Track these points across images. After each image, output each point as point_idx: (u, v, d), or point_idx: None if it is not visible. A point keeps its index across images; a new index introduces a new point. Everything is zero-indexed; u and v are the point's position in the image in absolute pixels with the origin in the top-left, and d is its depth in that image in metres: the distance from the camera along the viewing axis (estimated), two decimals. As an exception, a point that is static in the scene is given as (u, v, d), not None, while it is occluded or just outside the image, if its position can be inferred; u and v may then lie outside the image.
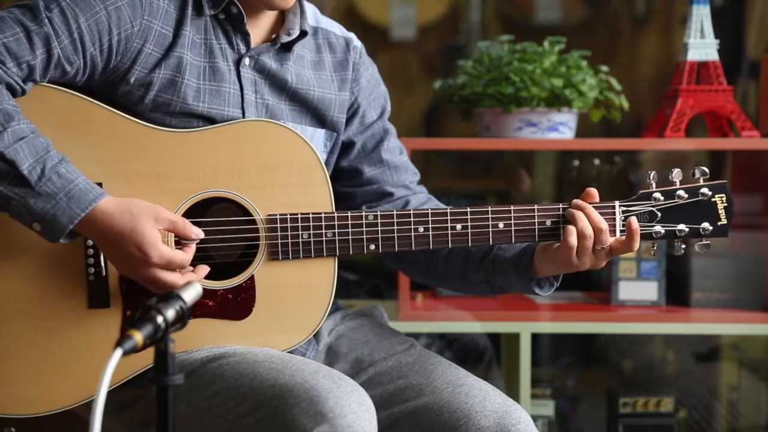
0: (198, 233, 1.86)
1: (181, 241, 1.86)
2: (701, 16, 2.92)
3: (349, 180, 2.12)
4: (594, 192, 1.96)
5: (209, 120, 1.94)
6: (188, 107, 1.92)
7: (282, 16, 2.02)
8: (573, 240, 1.90)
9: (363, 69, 2.13)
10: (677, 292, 3.04)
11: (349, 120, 2.11)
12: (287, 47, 2.01)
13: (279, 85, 2.01)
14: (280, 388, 1.78)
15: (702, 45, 2.92)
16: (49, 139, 1.81)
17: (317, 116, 2.07)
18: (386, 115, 2.17)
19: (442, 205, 2.12)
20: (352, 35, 2.15)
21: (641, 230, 1.94)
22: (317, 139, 2.06)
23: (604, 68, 2.91)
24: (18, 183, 1.77)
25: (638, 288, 3.01)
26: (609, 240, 1.91)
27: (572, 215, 1.91)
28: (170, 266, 1.82)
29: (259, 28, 2.00)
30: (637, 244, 1.91)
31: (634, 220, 1.91)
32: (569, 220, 1.91)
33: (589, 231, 1.90)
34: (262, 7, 1.97)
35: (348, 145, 2.12)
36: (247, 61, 1.98)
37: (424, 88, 4.44)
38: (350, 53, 2.11)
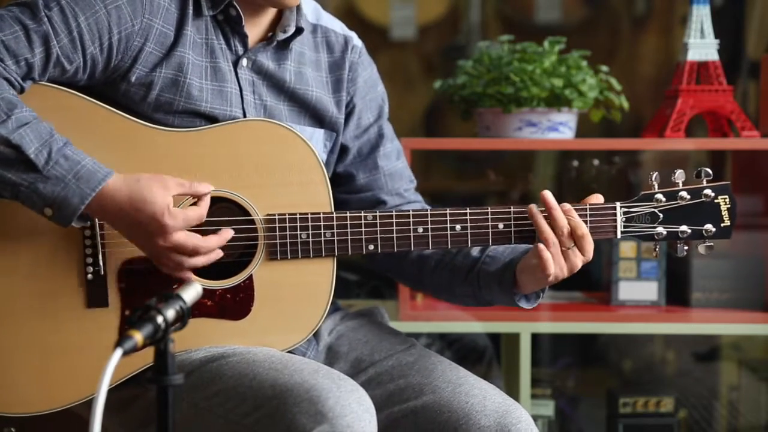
0: (207, 186, 1.85)
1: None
2: (701, 16, 2.92)
3: (343, 186, 2.11)
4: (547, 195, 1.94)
5: (212, 119, 1.94)
6: (192, 106, 1.92)
7: (279, 14, 2.02)
8: (546, 253, 1.88)
9: (361, 69, 2.12)
10: (677, 292, 3.03)
11: (346, 121, 2.10)
12: (284, 45, 2.01)
13: (277, 86, 2.01)
14: (280, 388, 1.78)
15: (702, 45, 2.92)
16: (51, 123, 1.80)
17: (316, 116, 2.06)
18: (384, 116, 2.16)
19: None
20: (352, 34, 2.14)
21: (643, 232, 1.94)
22: (316, 139, 2.06)
23: (604, 68, 2.90)
24: (26, 168, 1.76)
25: (638, 288, 3.01)
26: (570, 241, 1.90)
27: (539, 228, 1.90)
28: (189, 224, 1.82)
29: (256, 27, 2.00)
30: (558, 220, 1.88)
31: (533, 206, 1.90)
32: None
33: (553, 239, 1.89)
34: (268, 5, 1.97)
35: (343, 150, 2.11)
36: (244, 62, 1.98)
37: (424, 88, 4.44)
38: (348, 52, 2.10)
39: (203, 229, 1.89)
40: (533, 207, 1.91)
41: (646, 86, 4.46)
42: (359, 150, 2.12)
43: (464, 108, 2.95)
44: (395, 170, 2.14)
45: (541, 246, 1.88)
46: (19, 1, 1.86)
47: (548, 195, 1.91)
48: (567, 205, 1.90)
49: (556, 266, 1.88)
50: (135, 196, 1.80)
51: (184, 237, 1.82)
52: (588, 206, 1.93)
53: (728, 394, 3.54)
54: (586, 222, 1.92)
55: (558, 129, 2.86)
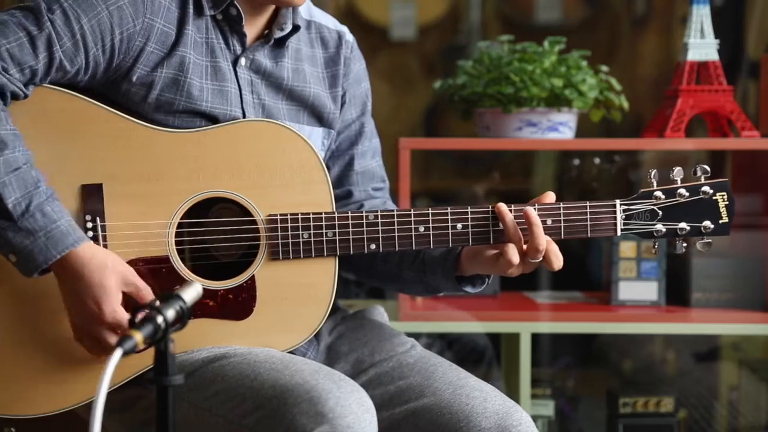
0: (150, 298, 1.85)
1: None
2: (701, 16, 2.92)
3: None
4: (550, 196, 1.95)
5: (213, 119, 1.94)
6: (192, 106, 1.92)
7: (275, 12, 2.02)
8: (516, 259, 1.89)
9: (353, 64, 2.13)
10: (677, 292, 3.03)
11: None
12: (281, 43, 2.01)
13: (275, 84, 2.01)
14: (281, 389, 1.78)
15: (702, 45, 2.92)
16: (40, 173, 1.80)
17: (314, 114, 2.07)
18: (367, 113, 2.17)
19: (394, 207, 2.13)
20: (344, 29, 2.14)
21: (642, 229, 1.94)
22: (315, 137, 2.06)
23: (604, 68, 2.91)
24: (0, 215, 1.76)
25: (638, 288, 3.01)
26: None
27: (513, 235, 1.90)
28: (119, 327, 1.82)
29: (253, 26, 2.00)
30: (538, 237, 1.88)
31: (530, 210, 1.90)
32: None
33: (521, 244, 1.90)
34: (270, 3, 1.97)
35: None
36: (243, 61, 1.98)
37: (424, 88, 4.44)
38: (342, 47, 2.11)
39: (205, 229, 1.89)
40: (501, 206, 1.91)
41: (646, 86, 4.47)
42: (339, 144, 2.13)
43: (464, 108, 2.95)
44: (368, 169, 2.15)
45: (512, 249, 1.89)
46: (22, 5, 1.85)
47: (531, 212, 1.91)
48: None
49: (519, 266, 1.90)
50: (93, 278, 1.79)
51: (106, 335, 1.81)
52: (588, 204, 1.94)
53: (728, 394, 3.54)
54: (585, 221, 1.92)
55: (558, 129, 2.86)
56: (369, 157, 2.16)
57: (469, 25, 4.59)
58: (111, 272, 1.81)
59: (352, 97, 2.13)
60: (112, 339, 1.82)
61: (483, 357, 3.41)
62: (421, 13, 4.57)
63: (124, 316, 1.81)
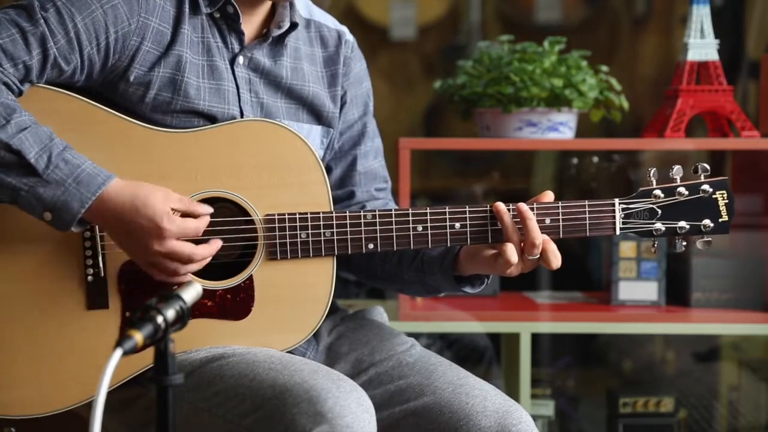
0: (206, 208, 1.86)
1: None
2: (701, 16, 2.92)
3: None
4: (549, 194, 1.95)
5: (210, 118, 1.94)
6: (189, 105, 1.92)
7: (272, 11, 2.02)
8: (514, 258, 1.89)
9: (353, 63, 2.13)
10: (677, 292, 3.04)
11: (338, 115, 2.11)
12: (279, 41, 2.01)
13: (274, 83, 2.01)
14: (279, 389, 1.78)
15: (702, 45, 2.92)
16: (50, 127, 1.81)
17: (313, 112, 2.07)
18: (369, 113, 2.17)
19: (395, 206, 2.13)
20: (344, 28, 2.14)
21: (642, 228, 1.94)
22: (314, 136, 2.06)
23: (604, 68, 2.91)
24: (26, 173, 1.76)
25: (638, 288, 3.01)
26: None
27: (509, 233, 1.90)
28: (184, 235, 1.82)
29: (251, 24, 2.00)
30: (533, 233, 1.88)
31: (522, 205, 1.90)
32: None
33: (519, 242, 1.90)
34: (270, 0, 1.97)
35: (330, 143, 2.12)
36: (241, 59, 1.98)
37: (424, 88, 4.44)
38: (342, 47, 2.11)
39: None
40: (499, 205, 1.91)
41: (646, 86, 4.46)
42: (341, 145, 2.13)
43: (464, 108, 2.95)
44: (370, 169, 2.15)
45: (510, 248, 1.88)
46: (15, 4, 1.86)
47: (524, 207, 1.91)
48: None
49: (518, 265, 1.90)
50: (136, 199, 1.80)
51: (180, 244, 1.82)
52: (587, 203, 1.94)
53: (728, 394, 3.54)
54: (584, 220, 1.92)
55: (558, 129, 2.86)
56: (371, 158, 2.16)
57: (469, 25, 4.59)
58: (150, 193, 1.80)
59: (354, 98, 2.13)
60: (187, 247, 1.82)
61: (483, 357, 3.41)
62: (421, 13, 4.57)
63: (184, 220, 1.81)
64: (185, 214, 1.84)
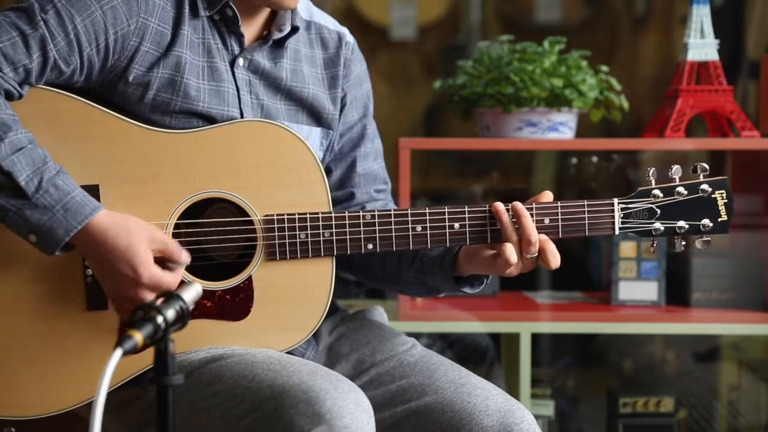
0: (186, 259, 1.85)
1: (168, 265, 1.84)
2: (701, 16, 2.92)
3: None
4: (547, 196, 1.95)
5: (209, 119, 1.94)
6: (189, 106, 1.92)
7: (274, 13, 2.02)
8: (514, 258, 1.89)
9: (353, 65, 2.13)
10: (677, 292, 3.03)
11: (338, 117, 2.11)
12: (280, 44, 2.01)
13: (274, 85, 2.01)
14: (278, 389, 1.78)
15: (702, 45, 2.92)
16: (46, 149, 1.80)
17: (313, 114, 2.07)
18: (369, 115, 2.16)
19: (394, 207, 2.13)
20: (345, 30, 2.14)
21: (641, 227, 1.94)
22: (313, 137, 2.06)
23: (604, 68, 2.91)
24: (15, 194, 1.77)
25: (638, 288, 3.01)
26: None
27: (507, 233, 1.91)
28: (158, 288, 1.82)
29: (252, 27, 2.00)
30: (528, 229, 1.89)
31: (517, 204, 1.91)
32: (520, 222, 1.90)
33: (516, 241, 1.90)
34: (265, 6, 1.97)
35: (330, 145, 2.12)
36: (241, 61, 1.98)
37: (424, 88, 4.44)
38: (342, 48, 2.11)
39: (201, 230, 1.89)
40: (498, 205, 1.91)
41: (646, 86, 4.47)
42: (341, 147, 2.13)
43: (464, 108, 2.95)
44: (370, 171, 2.15)
45: (509, 248, 1.89)
46: (15, 6, 1.86)
47: (519, 205, 1.91)
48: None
49: (518, 265, 1.90)
50: (119, 238, 1.80)
51: (149, 294, 1.82)
52: (586, 203, 1.94)
53: (728, 394, 3.54)
54: (583, 220, 1.93)
55: (558, 129, 2.86)
56: (371, 159, 2.16)
57: (469, 25, 4.59)
58: (136, 233, 1.80)
59: (354, 99, 2.13)
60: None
61: (485, 357, 3.41)
62: (421, 13, 4.57)
63: (161, 273, 1.81)
64: (165, 256, 1.83)
